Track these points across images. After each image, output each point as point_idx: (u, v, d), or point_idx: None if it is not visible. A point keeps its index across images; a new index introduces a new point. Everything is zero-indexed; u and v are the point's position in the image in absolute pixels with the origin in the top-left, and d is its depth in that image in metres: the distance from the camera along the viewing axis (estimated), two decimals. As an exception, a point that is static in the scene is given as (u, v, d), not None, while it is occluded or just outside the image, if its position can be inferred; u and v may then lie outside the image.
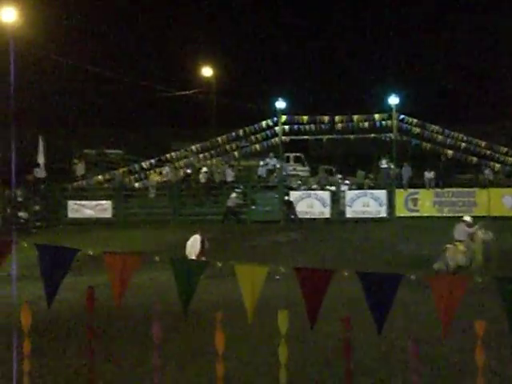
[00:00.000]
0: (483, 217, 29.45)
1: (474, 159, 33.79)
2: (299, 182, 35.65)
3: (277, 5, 63.34)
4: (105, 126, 51.37)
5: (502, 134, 44.41)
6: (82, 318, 6.43)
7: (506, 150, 34.22)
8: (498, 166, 33.86)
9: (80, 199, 33.06)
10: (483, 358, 5.35)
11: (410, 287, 5.96)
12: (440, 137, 33.99)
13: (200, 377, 8.78)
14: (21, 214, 29.84)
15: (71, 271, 5.99)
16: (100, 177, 35.42)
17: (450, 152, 33.85)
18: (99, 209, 32.34)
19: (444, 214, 31.40)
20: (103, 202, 32.68)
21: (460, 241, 16.38)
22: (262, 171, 36.92)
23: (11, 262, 6.63)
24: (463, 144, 34.02)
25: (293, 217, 31.57)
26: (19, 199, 30.48)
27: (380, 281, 5.69)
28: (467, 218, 17.31)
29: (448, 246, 16.46)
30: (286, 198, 32.23)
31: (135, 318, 11.82)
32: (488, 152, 34.02)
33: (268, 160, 37.13)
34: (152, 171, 35.09)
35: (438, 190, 32.48)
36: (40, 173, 33.49)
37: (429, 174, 33.72)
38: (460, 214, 30.94)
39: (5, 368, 8.50)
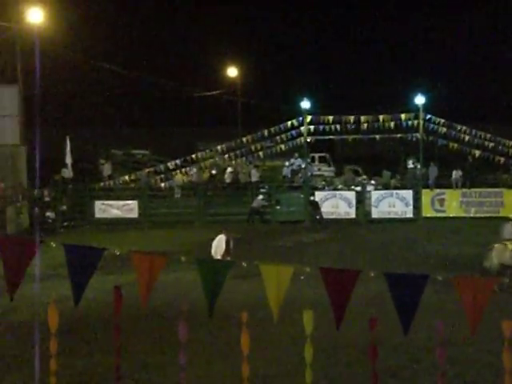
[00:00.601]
0: None
1: (502, 159, 33.42)
2: (323, 183, 35.55)
3: (303, 5, 63.20)
4: (131, 127, 51.74)
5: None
6: (108, 318, 6.48)
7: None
8: (525, 166, 33.47)
9: (107, 199, 33.27)
10: (511, 359, 5.29)
11: (436, 288, 5.92)
12: (467, 137, 33.67)
13: (225, 377, 8.80)
14: (48, 213, 30.13)
15: (98, 270, 6.04)
16: (126, 177, 35.65)
17: (477, 152, 33.52)
18: (125, 209, 32.53)
19: (471, 215, 31.09)
20: (129, 202, 32.86)
21: (508, 240, 16.22)
22: (286, 171, 36.88)
23: (38, 262, 6.70)
24: (490, 144, 33.67)
25: (318, 217, 31.47)
26: (46, 199, 30.79)
27: (406, 281, 5.66)
28: None
29: (496, 245, 16.30)
30: (312, 198, 32.15)
31: (162, 317, 11.89)
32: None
33: (293, 160, 37.09)
34: (178, 171, 35.23)
35: (465, 190, 32.16)
36: (67, 173, 33.79)
37: (456, 174, 33.42)
38: (487, 215, 30.77)
39: (32, 367, 8.60)
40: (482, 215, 30.81)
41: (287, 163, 37.31)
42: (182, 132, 53.86)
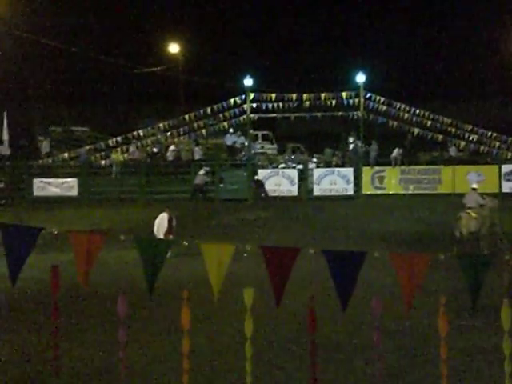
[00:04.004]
0: (448, 194, 30.01)
1: (440, 137, 34.12)
2: (266, 162, 35.75)
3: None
4: (71, 103, 50.68)
5: (467, 111, 44.88)
6: (47, 296, 6.40)
7: (470, 127, 34.62)
8: (463, 143, 34.27)
9: (45, 177, 32.66)
10: (446, 329, 5.47)
11: (375, 264, 6.06)
12: (406, 115, 34.23)
13: (166, 353, 8.82)
14: (-15, 191, 29.46)
15: (36, 249, 5.94)
16: (66, 154, 35.02)
17: (416, 130, 34.12)
18: (65, 187, 32.00)
19: (410, 192, 31.72)
20: (69, 179, 32.34)
21: (471, 208, 17.15)
22: (229, 139, 37.00)
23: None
24: (429, 122, 34.30)
25: (263, 195, 31.64)
26: (-18, 176, 30.07)
27: (344, 258, 5.76)
28: (476, 186, 18.56)
29: (461, 214, 17.15)
30: (256, 177, 32.25)
31: (102, 295, 11.80)
32: (453, 130, 34.37)
33: (228, 136, 37.23)
34: (115, 150, 34.73)
35: (404, 167, 32.77)
36: (4, 150, 33.00)
37: (395, 152, 34.00)
38: (426, 192, 31.49)
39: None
40: (421, 192, 31.50)
41: (228, 136, 37.41)
42: (122, 109, 53.09)
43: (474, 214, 17.00)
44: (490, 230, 17.12)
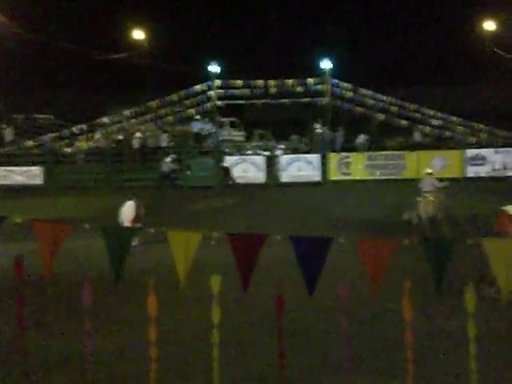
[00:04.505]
0: (413, 179, 30.33)
1: (405, 122, 34.43)
2: (233, 149, 35.70)
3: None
4: (34, 91, 49.95)
5: (432, 97, 45.34)
6: (12, 286, 6.32)
7: (434, 112, 34.98)
8: (427, 129, 34.62)
9: (9, 165, 32.20)
10: (410, 314, 5.54)
11: (341, 249, 6.11)
12: (371, 101, 34.45)
13: (132, 342, 8.78)
14: None
15: (1, 238, 5.86)
16: (30, 142, 34.55)
17: (381, 116, 34.37)
18: (29, 175, 31.61)
19: (376, 177, 32.02)
20: (33, 168, 31.94)
21: (428, 192, 17.26)
22: (196, 126, 36.98)
23: None
24: (393, 108, 34.58)
25: (231, 182, 31.62)
26: None
27: (311, 244, 5.79)
28: (431, 170, 18.53)
29: (418, 199, 17.30)
30: (223, 164, 32.20)
31: (66, 285, 11.69)
32: (418, 115, 34.71)
33: (194, 123, 37.18)
34: (81, 137, 34.36)
35: (370, 153, 33.03)
36: (-34, 138, 32.48)
37: (361, 138, 34.23)
38: (391, 177, 31.78)
39: None
40: (387, 177, 31.79)
41: (194, 123, 37.34)
42: (87, 96, 52.50)
43: (431, 198, 17.15)
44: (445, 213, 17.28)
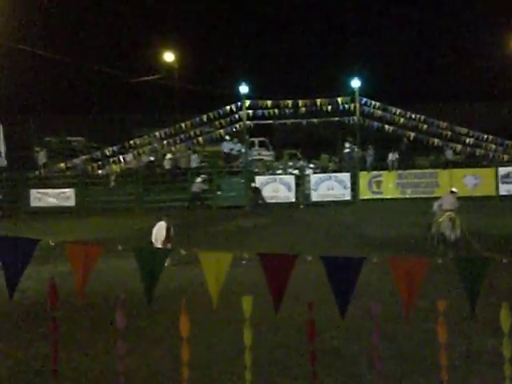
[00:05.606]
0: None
1: (436, 140, 34.18)
2: (264, 168, 35.75)
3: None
4: (67, 113, 50.67)
5: (463, 114, 44.92)
6: (45, 308, 6.38)
7: (466, 130, 34.69)
8: (459, 146, 34.32)
9: (42, 188, 32.64)
10: (445, 334, 5.46)
11: (373, 269, 6.04)
12: (402, 119, 34.30)
13: (165, 362, 8.78)
14: (-18, 203, 29.43)
15: (34, 260, 5.93)
16: (62, 165, 35.01)
17: (412, 134, 34.18)
18: (62, 197, 31.99)
19: (407, 196, 31.77)
20: (66, 190, 32.33)
21: (448, 210, 17.00)
22: (226, 146, 36.96)
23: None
24: (425, 126, 34.38)
25: (261, 202, 31.65)
26: (-20, 189, 30.05)
27: (342, 264, 5.74)
28: (456, 190, 18.34)
29: (440, 219, 17.04)
30: (253, 184, 32.26)
31: (100, 306, 11.76)
32: (449, 133, 34.44)
33: (225, 144, 37.20)
34: (113, 159, 34.72)
35: (401, 171, 32.82)
36: (1, 161, 32.97)
37: (392, 156, 34.06)
38: (423, 196, 31.49)
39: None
40: (418, 196, 31.52)
41: (225, 144, 37.41)
42: (118, 118, 53.09)
43: (453, 216, 16.90)
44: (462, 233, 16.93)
